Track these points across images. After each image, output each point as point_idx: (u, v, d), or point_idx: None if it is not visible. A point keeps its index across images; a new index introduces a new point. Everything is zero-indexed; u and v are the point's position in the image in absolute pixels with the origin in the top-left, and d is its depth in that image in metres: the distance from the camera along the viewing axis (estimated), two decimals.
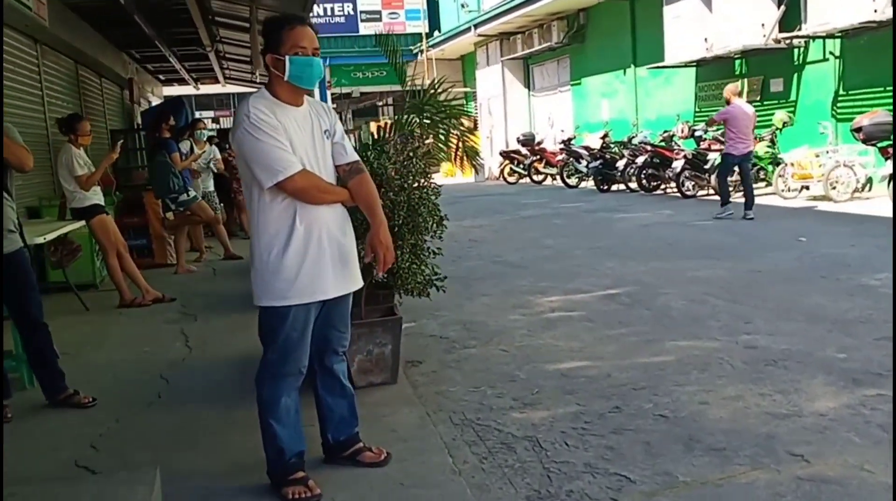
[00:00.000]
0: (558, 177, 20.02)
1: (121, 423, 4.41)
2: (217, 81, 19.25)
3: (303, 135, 3.24)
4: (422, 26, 28.15)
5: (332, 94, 30.05)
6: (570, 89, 22.29)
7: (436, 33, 28.00)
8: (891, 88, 12.06)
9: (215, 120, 28.29)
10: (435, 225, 4.87)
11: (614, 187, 17.37)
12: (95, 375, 5.38)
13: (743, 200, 11.38)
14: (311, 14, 10.77)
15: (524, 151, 21.75)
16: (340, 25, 29.01)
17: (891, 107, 11.50)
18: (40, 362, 4.72)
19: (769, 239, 9.41)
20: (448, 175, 27.98)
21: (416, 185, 4.68)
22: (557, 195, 17.57)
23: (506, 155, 22.37)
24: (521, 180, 22.06)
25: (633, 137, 17.53)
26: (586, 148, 18.95)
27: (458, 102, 6.47)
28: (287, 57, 3.15)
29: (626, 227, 11.43)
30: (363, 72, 29.86)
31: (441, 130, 5.62)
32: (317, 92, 30.11)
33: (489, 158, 25.03)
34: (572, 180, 19.16)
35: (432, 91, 5.59)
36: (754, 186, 11.94)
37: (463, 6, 26.50)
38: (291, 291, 3.20)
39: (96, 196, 7.38)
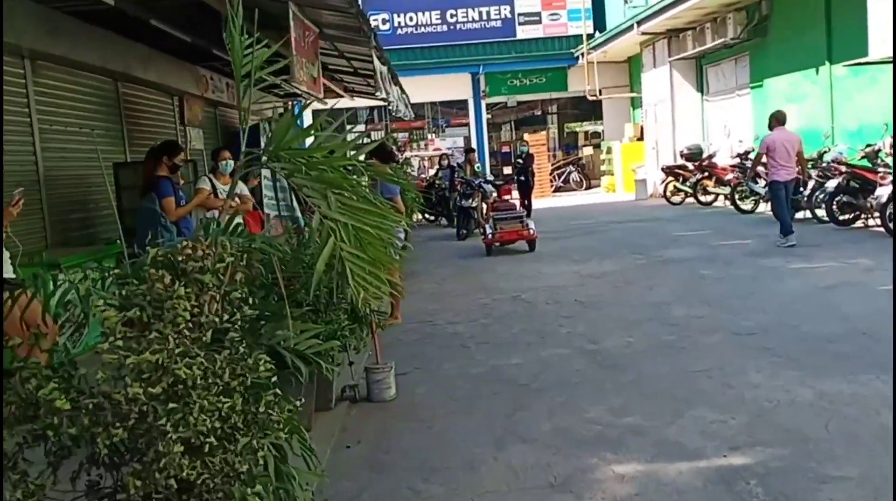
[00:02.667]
0: (731, 198, 16.31)
1: None
2: (340, 96, 17.23)
3: None
4: (584, 27, 24.96)
5: (487, 104, 27.56)
6: (750, 93, 18.34)
7: (598, 34, 24.70)
8: None
9: (366, 134, 26.57)
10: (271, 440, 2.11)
11: (799, 215, 13.49)
12: None
13: None
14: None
15: (690, 166, 18.12)
16: (497, 30, 26.36)
17: None
18: None
19: None
20: (608, 190, 24.65)
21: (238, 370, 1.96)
22: (723, 225, 13.95)
23: (669, 170, 18.78)
24: (687, 200, 18.42)
25: (825, 152, 13.59)
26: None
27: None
28: None
29: (798, 288, 7.95)
30: (521, 79, 27.11)
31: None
32: (471, 103, 27.79)
33: (653, 172, 21.48)
34: (746, 204, 15.39)
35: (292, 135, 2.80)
36: None
37: (626, 1, 23.05)
38: None
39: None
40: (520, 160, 17.33)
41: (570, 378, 5.56)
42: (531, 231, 12.11)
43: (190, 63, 11.24)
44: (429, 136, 27.64)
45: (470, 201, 14.71)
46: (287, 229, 6.26)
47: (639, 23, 20.29)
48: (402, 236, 7.81)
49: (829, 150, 13.59)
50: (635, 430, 4.46)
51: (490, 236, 12.14)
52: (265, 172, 5.87)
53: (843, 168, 12.16)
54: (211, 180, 7.95)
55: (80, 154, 8.38)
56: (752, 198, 15.29)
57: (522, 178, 17.17)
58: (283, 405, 2.25)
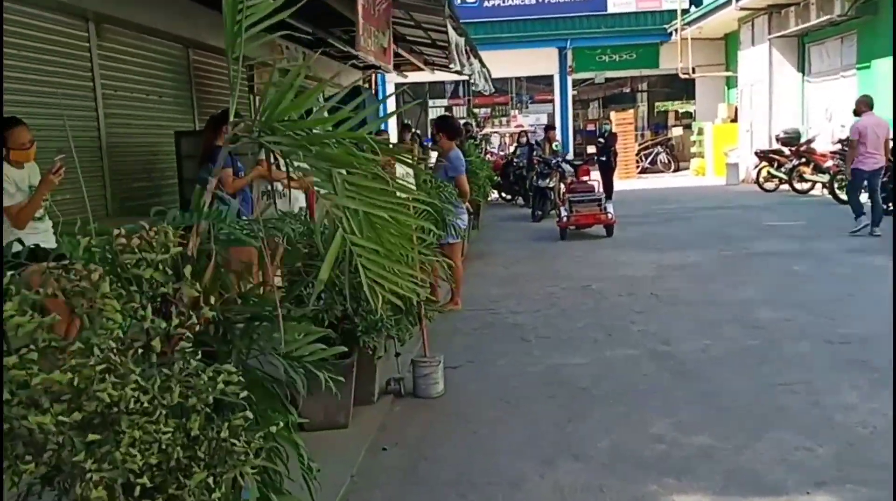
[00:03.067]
0: (830, 187, 15.24)
1: None
2: (419, 69, 16.76)
3: None
4: (679, 1, 23.72)
5: (574, 80, 26.66)
6: (856, 74, 17.02)
7: (693, 9, 23.48)
8: None
9: (447, 109, 26.07)
10: None
11: None
12: None
13: None
14: None
15: (786, 151, 16.99)
16: (587, 4, 25.39)
17: None
18: None
19: None
20: (697, 174, 23.53)
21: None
22: (821, 216, 12.96)
23: (763, 155, 17.67)
24: (781, 187, 17.32)
25: None
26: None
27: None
28: None
29: None
30: (610, 55, 26.10)
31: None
32: (557, 79, 26.93)
33: (746, 156, 20.34)
34: (845, 194, 14.28)
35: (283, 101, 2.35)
36: None
37: None
38: None
39: (35, 237, 5.00)
40: (601, 140, 16.58)
41: (637, 384, 5.02)
42: (609, 215, 11.46)
43: (264, 31, 10.97)
44: (512, 112, 26.97)
45: (547, 180, 14.10)
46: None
47: None
48: (465, 217, 7.36)
49: None
50: (705, 452, 3.91)
51: (565, 219, 11.55)
52: None
53: None
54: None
55: (144, 121, 8.21)
56: None
57: (604, 158, 16.41)
58: (256, 430, 1.84)
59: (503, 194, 18.01)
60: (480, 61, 14.68)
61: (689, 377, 5.11)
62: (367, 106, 13.86)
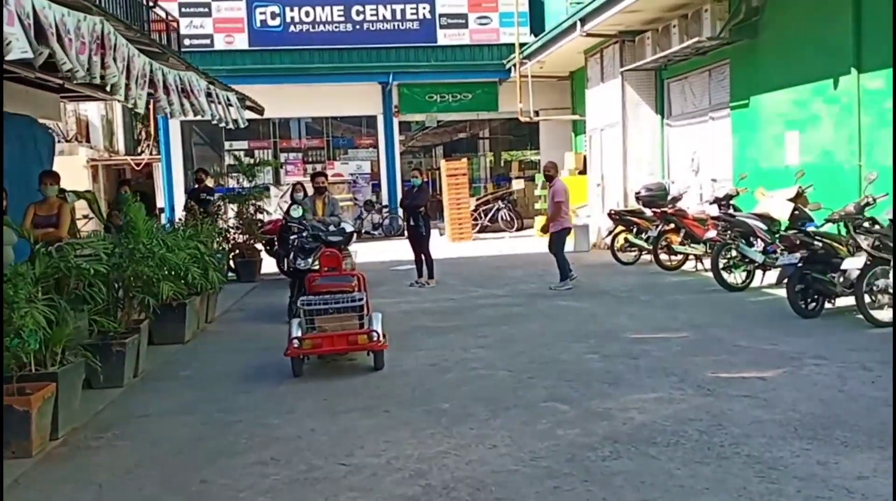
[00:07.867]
0: (707, 262, 10.94)
1: None
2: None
3: None
4: (517, 33, 19.41)
5: (401, 122, 21.82)
6: (730, 115, 12.94)
7: (533, 39, 19.27)
8: None
9: (249, 153, 20.52)
10: None
11: (830, 305, 8.03)
12: None
13: None
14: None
15: (649, 213, 12.59)
16: (414, 34, 20.71)
17: None
18: None
19: None
20: (542, 235, 19.03)
21: None
22: (707, 315, 8.37)
23: (618, 217, 13.18)
24: (643, 257, 12.91)
25: (867, 203, 8.19)
26: (763, 217, 9.81)
27: None
28: None
29: None
30: (441, 94, 21.50)
31: None
32: (381, 120, 22.11)
33: (598, 216, 15.99)
34: (734, 276, 9.89)
35: None
36: None
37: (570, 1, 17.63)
38: None
39: None
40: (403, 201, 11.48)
41: None
42: (375, 336, 6.32)
43: None
44: (327, 159, 21.78)
45: (310, 260, 8.87)
46: None
47: (582, 20, 14.85)
48: None
49: (870, 197, 8.15)
50: None
51: (296, 342, 6.31)
52: None
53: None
54: None
55: None
56: (745, 267, 9.83)
57: (412, 222, 11.43)
58: None
59: (282, 268, 12.62)
60: (212, 82, 9.40)
61: None
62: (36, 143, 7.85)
